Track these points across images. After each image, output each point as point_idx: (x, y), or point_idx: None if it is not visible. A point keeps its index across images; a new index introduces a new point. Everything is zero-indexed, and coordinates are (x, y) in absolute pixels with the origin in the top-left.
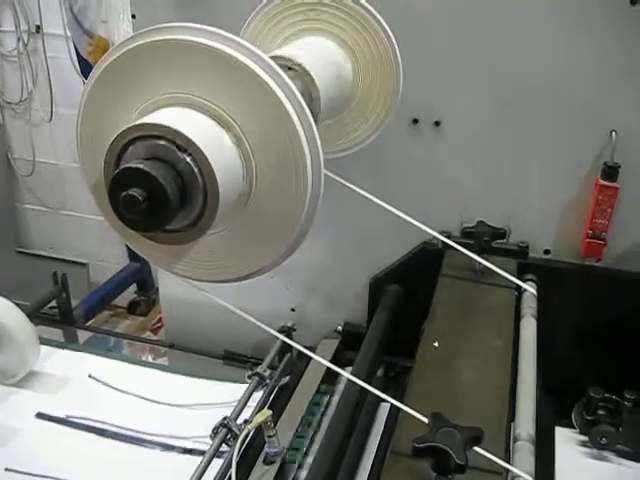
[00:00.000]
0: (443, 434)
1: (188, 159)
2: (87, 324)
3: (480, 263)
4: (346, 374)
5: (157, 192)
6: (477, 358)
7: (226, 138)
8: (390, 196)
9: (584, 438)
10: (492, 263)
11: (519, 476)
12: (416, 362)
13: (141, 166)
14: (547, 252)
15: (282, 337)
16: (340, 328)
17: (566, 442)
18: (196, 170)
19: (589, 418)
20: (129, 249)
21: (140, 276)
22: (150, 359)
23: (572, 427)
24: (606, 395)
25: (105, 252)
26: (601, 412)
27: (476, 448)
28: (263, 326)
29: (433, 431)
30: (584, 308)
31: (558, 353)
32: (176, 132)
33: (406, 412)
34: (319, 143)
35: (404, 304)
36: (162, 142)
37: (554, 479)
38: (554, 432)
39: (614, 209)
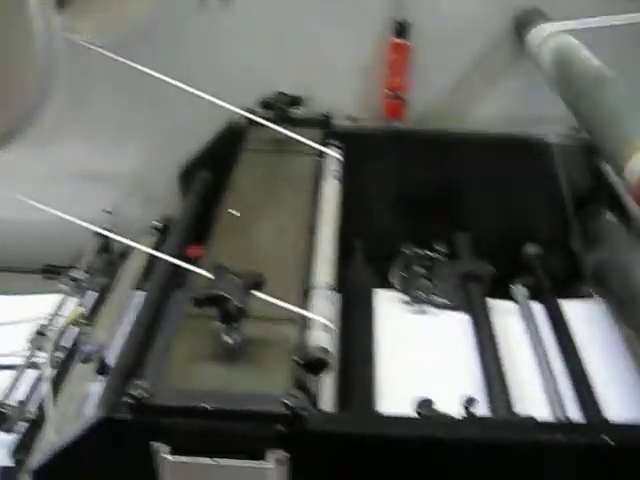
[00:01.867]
0: (223, 282)
1: None
2: None
3: (283, 134)
4: (160, 254)
5: None
6: (277, 221)
7: None
8: (190, 79)
9: (406, 298)
10: (296, 134)
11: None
12: (213, 230)
13: None
14: (352, 119)
15: (102, 230)
16: (157, 224)
17: (388, 302)
18: None
19: (405, 275)
20: None
21: None
22: None
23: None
24: (418, 251)
25: None
26: (416, 268)
27: (269, 298)
28: (79, 221)
29: (214, 281)
30: (393, 170)
31: (374, 219)
32: None
33: (199, 275)
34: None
35: (215, 189)
36: None
37: (373, 337)
38: (372, 294)
39: (409, 67)
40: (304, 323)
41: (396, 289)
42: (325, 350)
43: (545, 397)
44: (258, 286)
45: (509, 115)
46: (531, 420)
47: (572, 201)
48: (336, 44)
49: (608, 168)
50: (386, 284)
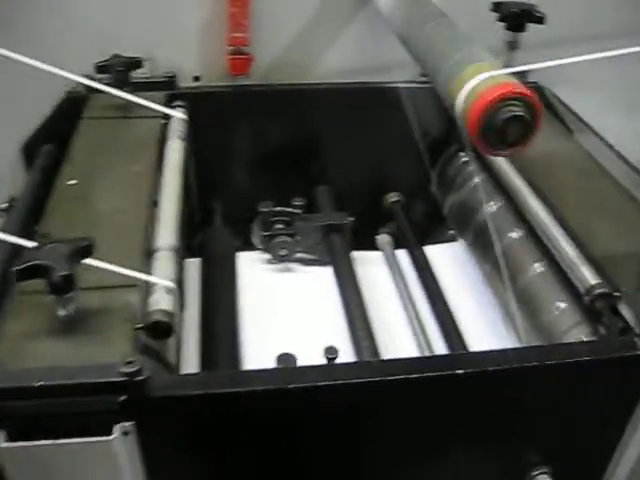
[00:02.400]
0: (45, 251)
1: None
2: None
3: (124, 99)
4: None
5: None
6: (116, 187)
7: None
8: (24, 49)
9: (269, 257)
10: (139, 98)
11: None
12: (48, 202)
13: None
14: (197, 79)
15: None
16: (2, 205)
17: (251, 264)
18: None
19: (266, 234)
20: None
21: None
22: None
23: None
24: (277, 208)
25: None
26: (277, 226)
27: (101, 264)
28: None
29: (34, 250)
30: (245, 129)
31: (232, 180)
32: None
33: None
34: None
35: (59, 162)
36: None
37: (236, 299)
38: (234, 257)
39: (251, 20)
40: (145, 288)
41: (258, 249)
42: (167, 313)
43: (413, 340)
44: (86, 252)
45: (358, 64)
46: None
47: (428, 146)
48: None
49: None
50: (249, 245)
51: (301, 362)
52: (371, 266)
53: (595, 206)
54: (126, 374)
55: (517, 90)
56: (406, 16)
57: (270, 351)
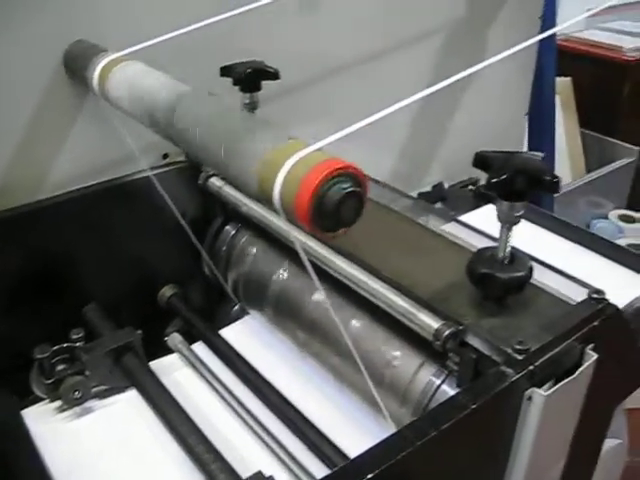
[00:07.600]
0: None
1: None
2: None
3: None
4: None
5: None
6: None
7: None
8: None
9: (62, 405)
10: None
11: None
12: None
13: None
14: None
15: None
16: None
17: (41, 418)
18: None
19: (50, 381)
20: None
21: None
22: None
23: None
24: (55, 348)
25: None
26: (61, 367)
27: None
28: None
29: None
30: None
31: None
32: None
33: None
34: None
35: None
36: None
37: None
38: (21, 419)
39: None
40: None
41: (45, 400)
42: None
43: (262, 447)
44: None
45: (96, 162)
46: None
47: (191, 227)
48: None
49: (219, 183)
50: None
51: None
52: (173, 373)
53: (399, 246)
54: None
55: (339, 166)
56: (149, 99)
57: None
